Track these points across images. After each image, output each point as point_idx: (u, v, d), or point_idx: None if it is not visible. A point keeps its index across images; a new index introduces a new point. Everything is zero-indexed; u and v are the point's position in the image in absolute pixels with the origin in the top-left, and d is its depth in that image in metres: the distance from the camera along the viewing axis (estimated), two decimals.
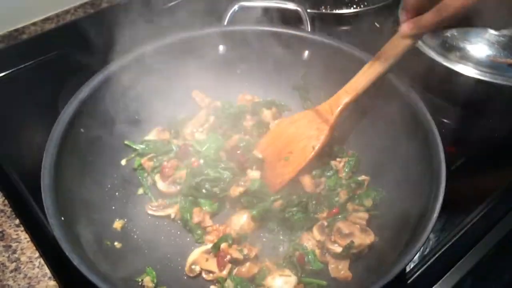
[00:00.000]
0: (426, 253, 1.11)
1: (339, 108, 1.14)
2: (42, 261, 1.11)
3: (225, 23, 1.40)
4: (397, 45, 1.05)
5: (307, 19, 1.40)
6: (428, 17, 0.95)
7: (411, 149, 1.10)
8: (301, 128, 1.19)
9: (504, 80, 1.35)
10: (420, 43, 1.48)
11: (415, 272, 1.08)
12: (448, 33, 1.46)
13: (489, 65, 1.39)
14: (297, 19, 1.42)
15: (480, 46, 1.41)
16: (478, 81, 1.37)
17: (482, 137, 1.37)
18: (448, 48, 1.45)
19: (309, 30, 1.37)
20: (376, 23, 1.71)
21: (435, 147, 1.02)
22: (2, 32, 1.73)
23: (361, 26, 1.71)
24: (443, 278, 1.07)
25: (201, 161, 1.21)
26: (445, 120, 1.41)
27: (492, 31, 1.42)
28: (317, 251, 1.07)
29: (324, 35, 1.30)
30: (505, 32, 1.41)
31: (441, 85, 1.43)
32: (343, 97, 1.13)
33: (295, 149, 1.18)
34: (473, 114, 1.43)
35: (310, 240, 1.09)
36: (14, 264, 1.11)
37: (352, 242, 1.03)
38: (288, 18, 1.41)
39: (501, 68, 1.38)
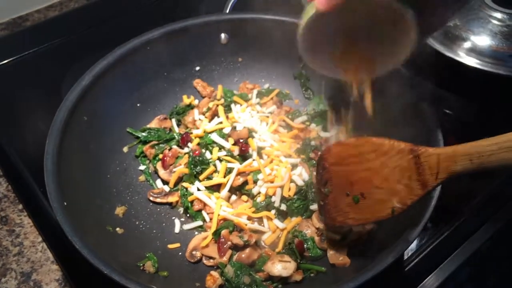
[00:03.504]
0: (424, 241, 1.12)
1: (445, 176, 0.83)
2: (45, 246, 1.13)
3: (227, 11, 1.40)
4: None
5: None
6: None
7: (410, 136, 1.10)
8: (389, 169, 0.88)
9: (507, 71, 1.35)
10: None
11: (413, 260, 1.09)
12: (451, 23, 1.46)
13: (492, 55, 1.38)
14: (299, 7, 1.42)
15: (483, 36, 1.41)
16: (481, 71, 1.36)
17: (484, 127, 1.37)
18: (451, 38, 1.44)
19: None
20: None
21: (434, 133, 1.03)
22: (6, 19, 1.74)
23: None
24: (440, 266, 1.08)
25: (203, 149, 1.22)
26: (447, 111, 1.40)
27: (495, 21, 1.42)
28: (316, 238, 1.08)
29: None
30: (508, 22, 1.41)
31: (443, 76, 1.43)
32: (460, 163, 0.80)
33: (370, 195, 0.92)
34: (475, 104, 1.43)
35: (309, 227, 1.10)
36: (18, 248, 1.13)
37: (350, 229, 1.04)
38: (290, 6, 1.41)
39: (504, 59, 1.38)
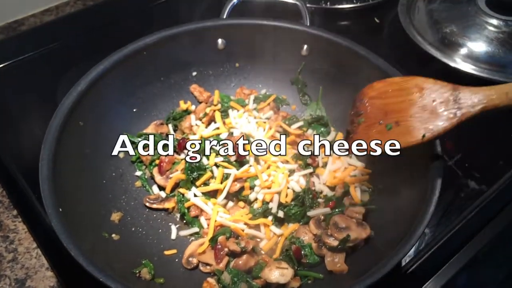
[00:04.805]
0: (421, 247, 1.12)
1: (481, 108, 0.90)
2: (40, 252, 1.12)
3: (225, 16, 1.40)
4: None
5: (307, 13, 1.40)
6: None
7: None
8: (428, 100, 0.95)
9: (502, 77, 1.36)
10: (419, 38, 1.48)
11: (411, 266, 1.09)
12: (448, 29, 1.47)
13: (488, 61, 1.39)
14: (296, 14, 1.42)
15: (479, 42, 1.42)
16: (477, 77, 1.37)
17: (479, 133, 1.37)
18: (447, 44, 1.45)
19: (308, 24, 1.37)
20: (375, 19, 1.72)
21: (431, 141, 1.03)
22: (1, 23, 1.73)
23: (360, 21, 1.71)
24: (438, 272, 1.08)
25: (199, 155, 1.22)
26: None
27: (491, 28, 1.42)
28: (314, 245, 1.08)
29: (323, 29, 1.29)
30: (504, 28, 1.42)
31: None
32: (496, 96, 0.89)
33: (404, 123, 0.97)
34: None
35: (306, 234, 1.10)
36: (12, 254, 1.12)
37: (348, 235, 1.04)
38: (287, 12, 1.41)
39: (500, 65, 1.39)
